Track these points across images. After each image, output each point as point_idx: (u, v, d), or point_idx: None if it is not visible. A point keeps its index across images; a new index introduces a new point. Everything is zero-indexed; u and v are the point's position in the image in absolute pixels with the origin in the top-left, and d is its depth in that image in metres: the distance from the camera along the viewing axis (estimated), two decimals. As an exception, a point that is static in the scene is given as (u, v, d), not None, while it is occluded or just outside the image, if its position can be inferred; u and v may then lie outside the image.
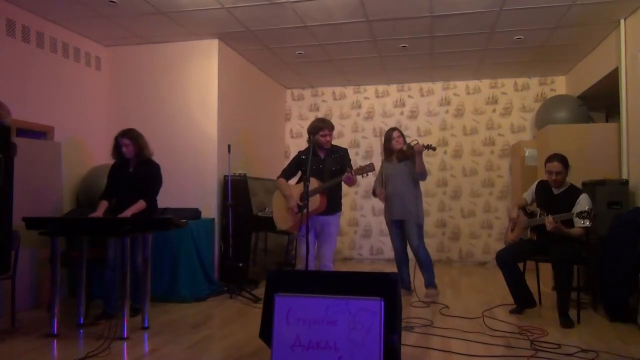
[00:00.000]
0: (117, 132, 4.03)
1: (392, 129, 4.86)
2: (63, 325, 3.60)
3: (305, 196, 3.58)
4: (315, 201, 3.77)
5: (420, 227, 4.72)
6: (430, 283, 4.72)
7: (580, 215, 3.63)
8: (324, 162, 3.95)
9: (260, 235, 5.61)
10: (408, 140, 4.88)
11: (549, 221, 3.77)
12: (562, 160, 3.97)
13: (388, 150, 4.83)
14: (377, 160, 7.37)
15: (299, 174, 4.07)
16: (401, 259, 4.86)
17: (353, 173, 3.72)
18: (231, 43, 5.65)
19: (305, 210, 3.57)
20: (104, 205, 3.97)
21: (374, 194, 5.08)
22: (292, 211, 3.87)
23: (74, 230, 3.67)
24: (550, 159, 4.02)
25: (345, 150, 4.11)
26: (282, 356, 2.40)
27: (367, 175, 3.77)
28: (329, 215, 3.90)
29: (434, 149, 4.52)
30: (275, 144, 7.44)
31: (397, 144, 4.76)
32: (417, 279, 4.92)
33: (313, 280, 2.56)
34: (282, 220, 4.02)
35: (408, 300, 4.51)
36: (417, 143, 4.56)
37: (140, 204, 3.90)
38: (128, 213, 3.80)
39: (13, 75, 4.47)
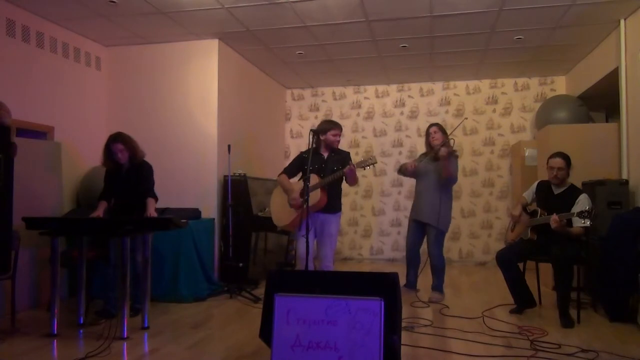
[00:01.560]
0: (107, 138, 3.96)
1: (431, 125, 4.72)
2: (63, 325, 3.61)
3: (305, 194, 3.55)
4: (315, 196, 3.74)
5: (441, 233, 4.62)
6: (437, 287, 4.70)
7: (581, 214, 3.63)
8: (326, 162, 3.94)
9: (260, 235, 5.61)
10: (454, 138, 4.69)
11: (555, 219, 3.75)
12: (565, 157, 4.00)
13: (428, 145, 4.71)
14: (378, 161, 7.40)
15: (301, 173, 4.07)
16: (412, 258, 4.78)
17: (355, 166, 3.69)
18: (231, 43, 5.65)
19: (304, 207, 3.56)
20: (103, 205, 3.98)
21: (400, 170, 4.83)
22: (295, 203, 3.82)
23: (74, 230, 3.67)
24: (553, 155, 4.06)
25: (348, 153, 4.06)
26: (282, 356, 2.40)
27: (370, 167, 3.74)
28: (330, 213, 3.89)
29: (456, 156, 4.43)
30: (275, 144, 7.44)
31: (434, 140, 4.61)
32: (420, 279, 4.92)
33: (313, 280, 2.56)
34: (281, 217, 4.00)
35: (408, 300, 4.50)
36: (448, 146, 4.42)
37: (151, 203, 3.94)
38: (153, 214, 3.88)
39: (13, 75, 4.47)
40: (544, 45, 5.64)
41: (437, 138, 4.60)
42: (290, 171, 4.06)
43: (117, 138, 3.90)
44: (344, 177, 3.81)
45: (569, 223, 3.86)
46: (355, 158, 3.81)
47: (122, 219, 3.66)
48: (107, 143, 3.92)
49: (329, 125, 3.98)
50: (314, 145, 3.90)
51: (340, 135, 3.97)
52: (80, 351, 3.12)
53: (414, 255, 4.79)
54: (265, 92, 6.98)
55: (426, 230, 4.67)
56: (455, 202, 7.15)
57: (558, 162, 3.98)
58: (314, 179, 3.76)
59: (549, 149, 4.46)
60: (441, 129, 4.68)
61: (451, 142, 4.51)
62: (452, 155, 4.43)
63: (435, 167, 4.57)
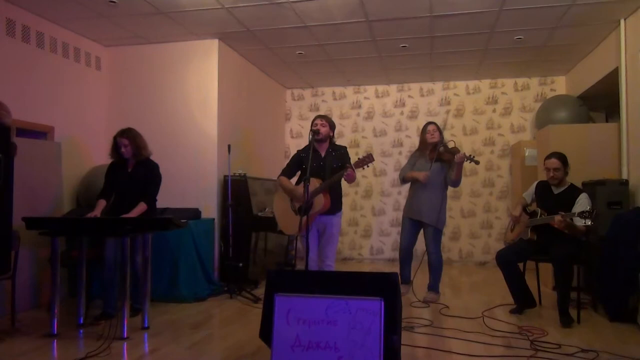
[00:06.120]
0: (116, 132, 4.04)
1: (429, 122, 4.73)
2: (63, 325, 3.61)
3: (305, 195, 3.52)
4: (319, 201, 3.71)
5: (439, 232, 4.63)
6: (433, 287, 4.70)
7: (582, 215, 3.62)
8: (324, 160, 3.92)
9: (260, 235, 5.61)
10: (449, 142, 4.68)
11: (559, 219, 3.71)
12: (561, 157, 3.99)
13: (423, 142, 4.71)
14: (378, 161, 7.42)
15: (299, 173, 4.05)
16: (406, 256, 4.80)
17: (353, 167, 3.65)
18: (231, 43, 5.65)
19: (309, 212, 3.54)
20: (101, 204, 3.97)
21: (403, 180, 4.78)
22: (300, 199, 3.78)
23: (74, 230, 3.66)
24: (548, 156, 4.05)
25: (345, 148, 4.07)
26: (282, 356, 2.40)
27: (368, 167, 3.71)
28: (331, 215, 3.87)
29: (477, 162, 4.30)
30: (275, 144, 7.44)
31: (431, 138, 4.61)
32: (418, 278, 4.92)
33: (313, 280, 2.56)
34: (286, 224, 3.96)
35: (408, 300, 4.51)
36: (456, 148, 4.39)
37: (142, 207, 3.90)
38: (130, 215, 3.80)
39: (13, 75, 4.47)
40: (544, 45, 5.64)
41: (436, 137, 4.62)
42: (288, 172, 4.04)
43: (124, 133, 3.99)
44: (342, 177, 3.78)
45: (570, 223, 3.85)
46: (355, 158, 3.79)
47: (121, 219, 3.65)
48: (115, 136, 4.02)
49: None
50: (314, 141, 3.88)
51: (321, 125, 3.91)
52: (80, 351, 3.12)
53: (408, 254, 4.81)
54: (265, 92, 6.98)
55: (423, 229, 4.69)
56: (455, 202, 7.20)
57: (554, 162, 3.98)
58: (313, 183, 3.71)
59: (549, 149, 4.46)
60: (438, 128, 4.70)
61: (451, 143, 4.50)
62: (472, 160, 4.32)
63: (436, 167, 4.56)
